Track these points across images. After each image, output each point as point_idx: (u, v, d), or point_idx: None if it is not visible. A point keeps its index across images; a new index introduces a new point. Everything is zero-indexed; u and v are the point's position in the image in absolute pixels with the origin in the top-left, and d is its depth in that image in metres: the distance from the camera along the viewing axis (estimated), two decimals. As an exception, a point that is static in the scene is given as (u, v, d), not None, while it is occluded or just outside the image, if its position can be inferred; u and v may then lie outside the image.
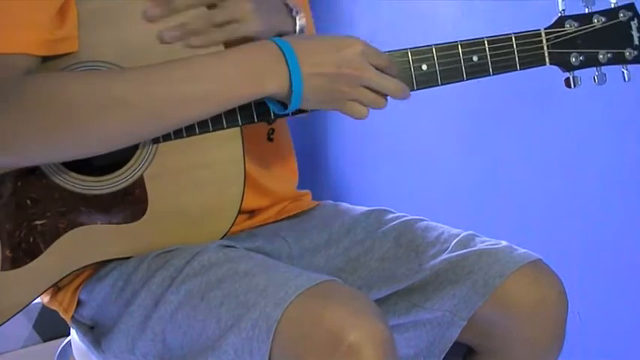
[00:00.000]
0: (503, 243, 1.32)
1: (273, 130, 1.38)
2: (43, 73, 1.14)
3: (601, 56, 1.31)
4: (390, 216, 1.41)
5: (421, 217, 1.40)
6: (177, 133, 1.21)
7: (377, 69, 1.19)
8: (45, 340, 2.47)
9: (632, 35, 1.32)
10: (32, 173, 1.20)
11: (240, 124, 1.22)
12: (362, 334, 1.04)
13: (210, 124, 1.20)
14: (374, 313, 1.09)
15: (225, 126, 1.21)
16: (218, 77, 1.14)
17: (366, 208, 1.43)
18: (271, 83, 1.15)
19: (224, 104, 1.16)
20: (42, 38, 1.11)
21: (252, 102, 1.20)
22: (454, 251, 1.31)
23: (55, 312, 1.36)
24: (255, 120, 1.22)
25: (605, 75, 1.32)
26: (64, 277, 1.26)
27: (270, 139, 1.38)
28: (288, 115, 1.21)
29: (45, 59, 1.14)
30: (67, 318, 1.34)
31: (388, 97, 1.22)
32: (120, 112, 1.11)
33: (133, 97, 1.11)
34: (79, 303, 1.31)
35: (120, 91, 1.11)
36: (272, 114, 1.21)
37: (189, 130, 1.21)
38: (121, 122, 1.11)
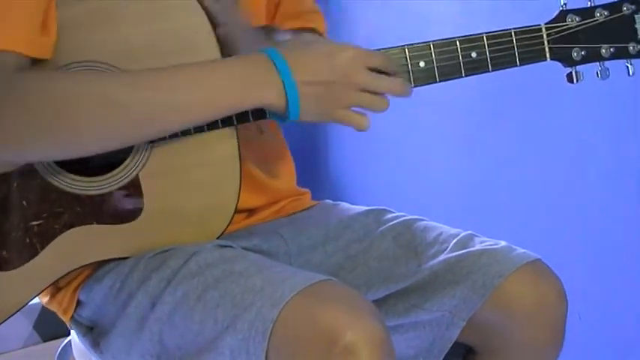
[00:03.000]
0: (503, 243, 1.32)
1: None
2: (35, 71, 1.14)
3: (604, 51, 1.29)
4: (389, 216, 1.40)
5: (420, 217, 1.40)
6: (173, 134, 1.20)
7: (374, 70, 1.19)
8: (45, 340, 2.47)
9: (636, 29, 1.29)
10: (28, 174, 1.20)
11: (235, 123, 1.21)
12: (358, 334, 1.04)
13: (205, 124, 1.20)
14: (370, 313, 1.09)
15: (220, 125, 1.21)
16: (209, 86, 1.15)
17: (365, 208, 1.43)
18: (261, 94, 1.15)
19: (213, 113, 1.17)
20: (31, 38, 1.12)
21: None
22: (453, 251, 1.30)
23: (55, 312, 1.35)
24: (251, 119, 1.21)
25: (608, 70, 1.30)
26: (61, 278, 1.26)
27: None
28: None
29: (35, 61, 1.15)
30: (66, 319, 1.33)
31: (390, 98, 1.21)
32: (112, 113, 1.12)
33: (126, 100, 1.12)
34: (79, 303, 1.31)
35: (113, 93, 1.12)
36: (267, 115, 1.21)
37: (185, 130, 1.20)
38: (113, 123, 1.12)
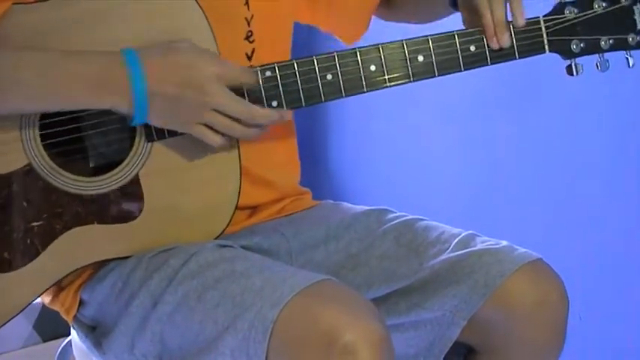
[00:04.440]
0: (504, 243, 1.32)
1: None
2: None
3: (603, 43, 1.29)
4: (391, 215, 1.40)
5: (421, 217, 1.40)
6: (172, 132, 1.21)
7: (240, 90, 1.17)
8: (45, 340, 2.47)
9: (635, 20, 1.29)
10: (28, 175, 1.20)
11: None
12: (357, 334, 1.05)
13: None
14: (370, 312, 1.10)
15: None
16: (61, 78, 1.14)
17: (366, 208, 1.43)
18: (109, 95, 1.15)
19: (57, 105, 1.17)
20: None
21: None
22: (455, 251, 1.30)
23: (55, 312, 1.36)
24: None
25: (607, 61, 1.30)
26: (63, 278, 1.26)
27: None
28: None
29: None
30: (68, 318, 1.34)
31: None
32: None
33: None
34: (82, 303, 1.31)
35: None
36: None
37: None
38: None
